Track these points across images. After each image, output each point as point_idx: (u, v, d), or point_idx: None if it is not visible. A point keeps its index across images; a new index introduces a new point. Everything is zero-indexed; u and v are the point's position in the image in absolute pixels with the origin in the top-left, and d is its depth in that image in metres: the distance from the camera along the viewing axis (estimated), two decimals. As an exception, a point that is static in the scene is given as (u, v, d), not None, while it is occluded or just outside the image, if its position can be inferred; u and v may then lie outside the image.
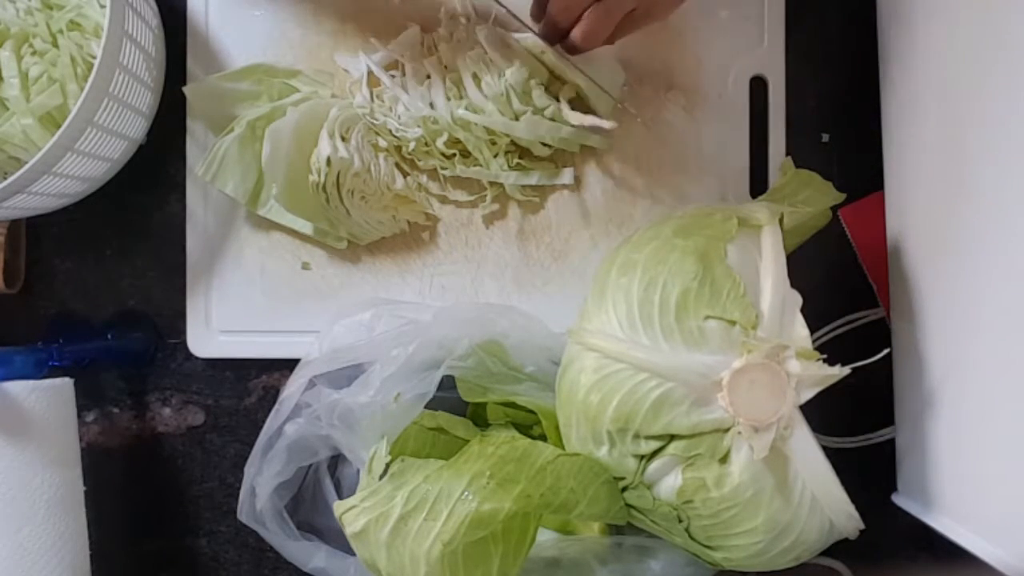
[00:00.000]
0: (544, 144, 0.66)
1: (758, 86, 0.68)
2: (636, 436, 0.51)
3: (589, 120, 0.64)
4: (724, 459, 0.50)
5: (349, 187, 0.64)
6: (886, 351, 0.62)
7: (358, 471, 0.60)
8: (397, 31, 0.68)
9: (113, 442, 0.71)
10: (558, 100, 0.66)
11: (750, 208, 0.56)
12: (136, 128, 0.64)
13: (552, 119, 0.65)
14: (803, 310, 0.51)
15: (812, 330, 0.51)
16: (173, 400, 0.71)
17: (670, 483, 0.52)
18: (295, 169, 0.64)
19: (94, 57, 0.57)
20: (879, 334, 0.68)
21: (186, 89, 0.67)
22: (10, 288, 0.69)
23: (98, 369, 0.70)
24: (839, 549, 0.55)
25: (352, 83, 0.68)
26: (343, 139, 0.64)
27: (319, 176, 0.63)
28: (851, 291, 0.69)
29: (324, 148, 0.63)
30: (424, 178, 0.69)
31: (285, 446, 0.61)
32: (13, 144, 0.62)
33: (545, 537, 0.59)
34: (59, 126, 0.55)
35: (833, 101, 0.70)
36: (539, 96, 0.65)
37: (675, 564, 0.56)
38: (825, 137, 0.70)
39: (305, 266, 0.69)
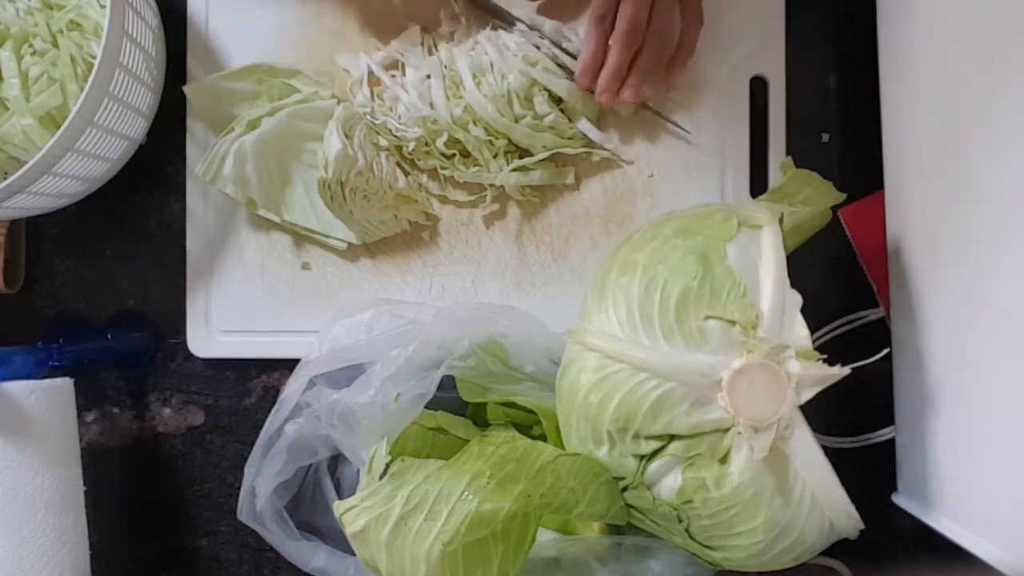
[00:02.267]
0: (544, 146, 0.66)
1: (758, 86, 0.68)
2: (636, 436, 0.51)
3: (595, 134, 0.66)
4: (724, 459, 0.50)
5: (352, 186, 0.64)
6: (886, 351, 0.62)
7: (358, 471, 0.60)
8: (397, 31, 0.68)
9: (113, 442, 0.71)
10: (561, 110, 0.66)
11: (750, 208, 0.56)
12: (136, 128, 0.64)
13: (552, 127, 0.65)
14: (803, 310, 0.51)
15: (812, 330, 0.51)
16: (173, 400, 0.71)
17: (670, 483, 0.52)
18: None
19: (94, 57, 0.57)
20: (879, 334, 0.68)
21: (186, 88, 0.67)
22: (10, 288, 0.69)
23: (98, 369, 0.70)
24: (839, 549, 0.55)
25: (352, 83, 0.68)
26: (347, 137, 0.65)
27: (326, 172, 0.63)
28: (851, 291, 0.69)
29: (333, 144, 0.63)
30: (424, 178, 0.69)
31: (285, 446, 0.61)
32: (13, 144, 0.62)
33: (545, 537, 0.59)
34: (59, 126, 0.55)
35: (833, 101, 0.70)
36: (540, 103, 0.65)
37: (675, 564, 0.56)
38: (825, 137, 0.70)
39: (305, 266, 0.69)
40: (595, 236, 0.68)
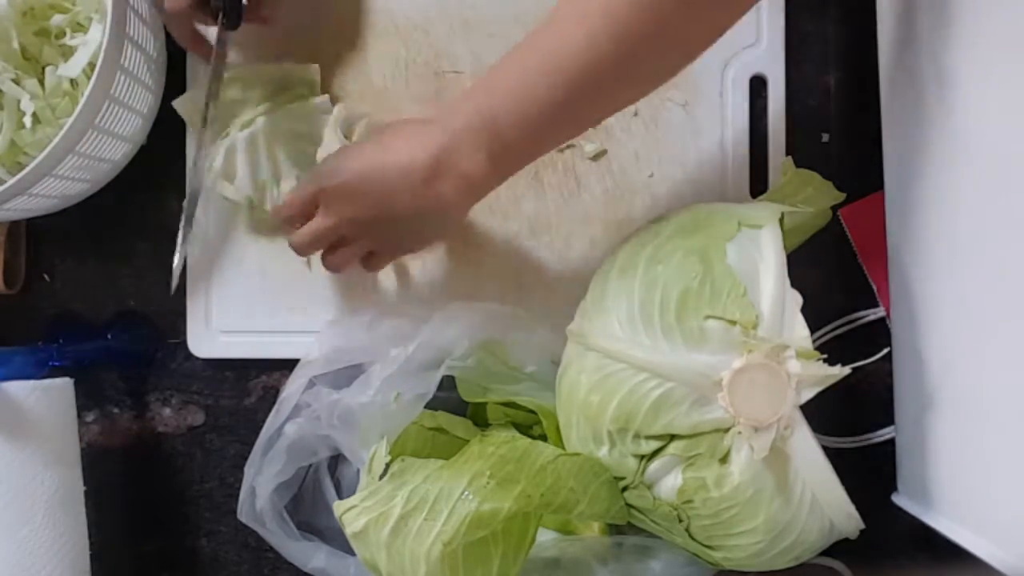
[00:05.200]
0: None
1: (758, 86, 0.68)
2: (636, 436, 0.51)
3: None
4: (724, 459, 0.50)
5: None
6: (886, 351, 0.62)
7: (358, 471, 0.60)
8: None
9: (113, 442, 0.71)
10: None
11: (750, 208, 0.56)
12: (137, 130, 0.64)
13: None
14: (803, 310, 0.51)
15: (812, 330, 0.51)
16: (173, 400, 0.71)
17: (670, 483, 0.52)
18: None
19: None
20: (879, 334, 0.68)
21: (175, 103, 0.66)
22: (10, 288, 0.69)
23: (98, 369, 0.70)
24: (839, 549, 0.55)
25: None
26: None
27: None
28: (851, 291, 0.69)
29: (334, 147, 0.63)
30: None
31: (285, 446, 0.61)
32: (29, 154, 0.63)
33: (545, 537, 0.59)
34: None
35: (833, 101, 0.70)
36: None
37: (675, 564, 0.56)
38: (825, 137, 0.70)
39: (305, 266, 0.69)
40: (595, 236, 0.68)
